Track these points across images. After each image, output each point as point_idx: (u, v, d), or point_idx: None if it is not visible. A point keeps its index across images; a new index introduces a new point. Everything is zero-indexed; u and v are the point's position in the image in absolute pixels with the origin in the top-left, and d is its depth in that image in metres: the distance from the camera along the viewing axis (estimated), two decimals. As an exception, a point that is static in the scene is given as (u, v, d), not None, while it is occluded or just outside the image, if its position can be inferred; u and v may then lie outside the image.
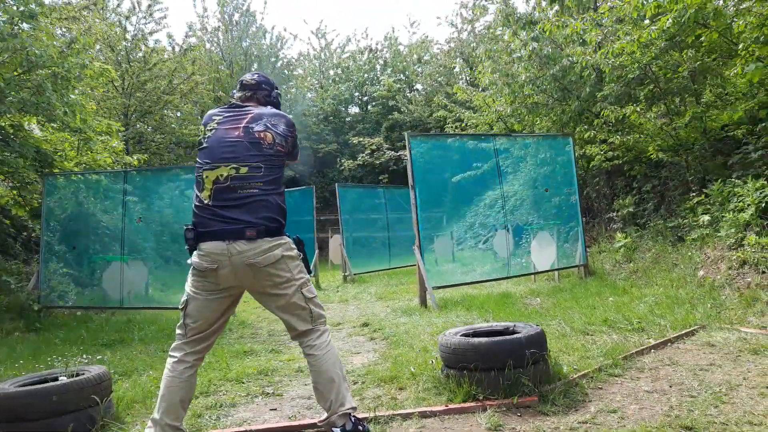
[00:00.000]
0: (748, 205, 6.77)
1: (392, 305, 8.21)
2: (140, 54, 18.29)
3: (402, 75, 28.61)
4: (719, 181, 7.69)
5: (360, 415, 2.99)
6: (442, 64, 26.58)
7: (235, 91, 3.12)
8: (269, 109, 2.97)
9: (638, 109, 8.29)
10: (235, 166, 2.73)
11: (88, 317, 8.65)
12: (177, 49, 20.57)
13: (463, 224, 8.80)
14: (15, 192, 10.36)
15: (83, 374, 3.41)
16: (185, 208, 9.08)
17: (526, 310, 6.52)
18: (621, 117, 8.70)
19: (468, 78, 26.10)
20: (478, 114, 15.90)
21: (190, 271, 2.84)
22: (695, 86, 8.89)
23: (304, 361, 5.01)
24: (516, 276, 8.77)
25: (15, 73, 8.35)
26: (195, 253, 2.78)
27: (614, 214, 10.66)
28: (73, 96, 8.93)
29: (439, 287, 7.76)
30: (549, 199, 8.95)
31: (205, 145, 2.85)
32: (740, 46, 7.10)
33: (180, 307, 2.85)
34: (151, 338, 6.65)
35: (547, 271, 8.89)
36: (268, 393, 3.97)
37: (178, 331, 2.85)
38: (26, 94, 8.15)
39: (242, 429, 3.15)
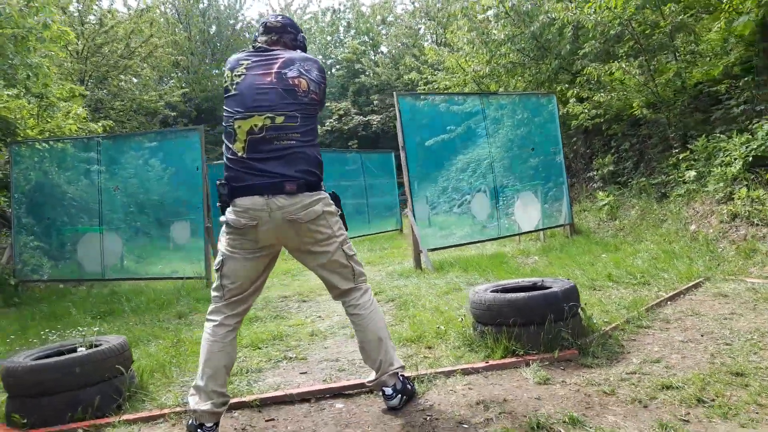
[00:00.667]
0: (735, 159, 6.89)
1: (384, 269, 8.13)
2: (93, 16, 17.33)
3: (366, 37, 28.10)
4: (703, 136, 7.81)
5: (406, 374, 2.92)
6: (407, 25, 26.19)
7: (257, 34, 2.87)
8: (299, 53, 2.76)
9: (623, 65, 8.28)
10: (270, 115, 2.53)
11: (67, 290, 8.33)
12: (131, 10, 19.59)
13: (451, 186, 8.68)
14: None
15: (102, 344, 3.22)
16: (150, 178, 8.76)
17: (524, 269, 6.54)
18: (604, 74, 8.69)
19: (435, 39, 25.82)
20: (449, 75, 15.76)
21: (223, 229, 2.65)
22: (674, 42, 8.94)
23: (314, 325, 4.94)
24: (503, 237, 8.78)
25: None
26: (230, 209, 2.58)
27: (594, 173, 10.79)
28: (35, 59, 8.36)
29: (432, 249, 7.71)
30: (534, 158, 8.94)
31: (234, 92, 2.61)
32: (725, 0, 7.14)
33: (215, 267, 2.66)
34: (143, 309, 6.40)
35: (533, 231, 8.94)
36: (291, 357, 3.85)
37: (214, 293, 2.68)
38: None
39: (284, 392, 3.02)
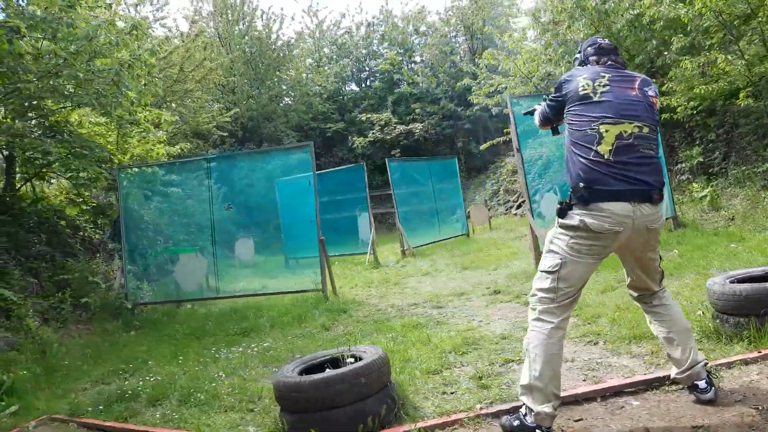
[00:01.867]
0: None
1: (500, 273, 8.15)
2: (148, 43, 17.66)
3: (400, 48, 28.25)
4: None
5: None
6: (442, 34, 26.31)
7: (591, 51, 2.97)
8: (643, 76, 2.92)
9: (728, 57, 8.24)
10: (638, 124, 2.67)
11: (172, 311, 8.45)
12: (182, 35, 19.95)
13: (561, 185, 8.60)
14: (70, 191, 10.01)
15: (364, 355, 3.27)
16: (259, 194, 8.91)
17: (668, 263, 6.47)
18: (699, 66, 8.66)
19: (470, 46, 25.90)
20: (509, 78, 15.82)
21: (564, 232, 2.67)
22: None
23: (488, 328, 4.94)
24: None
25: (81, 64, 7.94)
26: (584, 212, 2.59)
27: (681, 165, 10.70)
28: (139, 85, 8.54)
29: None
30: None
31: (599, 98, 2.70)
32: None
33: (551, 269, 2.69)
34: (280, 324, 6.46)
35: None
36: (514, 359, 3.88)
37: (544, 295, 2.70)
38: (100, 85, 7.76)
39: (571, 392, 3.04)
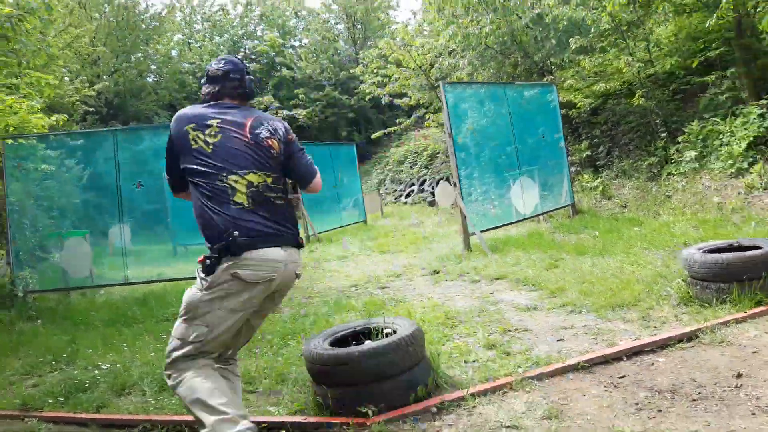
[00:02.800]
0: (737, 140, 7.93)
1: (426, 255, 8.30)
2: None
3: (279, 30, 27.55)
4: (695, 121, 8.85)
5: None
6: (324, 20, 26.10)
7: (203, 81, 2.80)
8: (262, 113, 2.76)
9: (628, 58, 9.13)
10: (261, 173, 2.56)
11: (64, 299, 7.63)
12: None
13: (488, 173, 8.89)
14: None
15: (398, 327, 3.19)
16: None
17: (579, 245, 7.02)
18: (598, 65, 9.50)
19: (351, 35, 25.98)
20: (401, 69, 16.15)
21: (209, 289, 2.43)
22: (650, 37, 10.02)
23: (452, 304, 5.01)
24: (525, 219, 9.24)
25: None
26: (230, 264, 2.40)
27: (571, 158, 11.65)
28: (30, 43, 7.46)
29: (472, 233, 7.97)
30: (542, 144, 9.50)
31: (212, 148, 2.54)
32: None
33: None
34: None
35: (551, 211, 9.51)
36: (513, 330, 4.01)
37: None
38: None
39: (599, 354, 3.20)
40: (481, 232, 7.99)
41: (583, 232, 8.02)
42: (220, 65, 2.73)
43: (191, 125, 2.57)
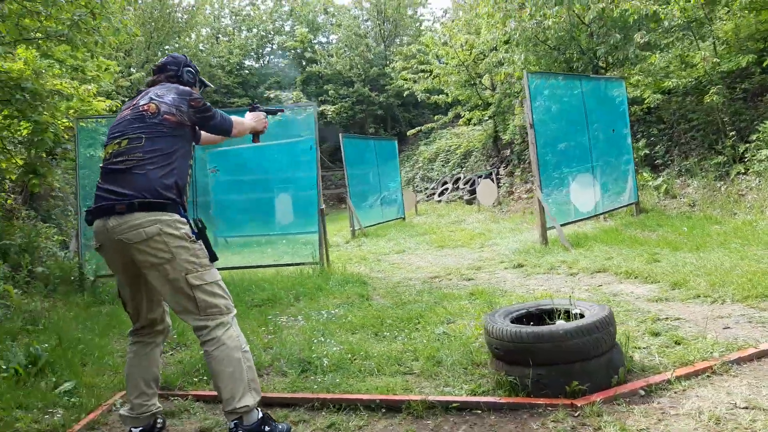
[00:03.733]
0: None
1: (494, 249, 8.18)
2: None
3: (308, 26, 27.45)
4: (767, 121, 8.70)
5: None
6: (354, 16, 26.01)
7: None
8: (163, 85, 2.86)
9: (704, 53, 8.97)
10: (118, 141, 2.65)
11: None
12: None
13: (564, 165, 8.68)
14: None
15: (581, 309, 3.05)
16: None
17: (666, 241, 6.87)
18: (671, 59, 9.35)
19: (380, 33, 25.87)
20: (445, 65, 16.04)
21: None
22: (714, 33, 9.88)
23: (573, 294, 4.88)
24: (594, 216, 9.08)
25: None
26: None
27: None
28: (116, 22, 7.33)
29: (551, 228, 7.82)
30: (611, 138, 9.32)
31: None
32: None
33: None
34: (302, 295, 5.93)
35: (622, 207, 9.36)
36: (666, 318, 3.87)
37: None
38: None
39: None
40: (550, 228, 7.84)
41: (658, 230, 7.87)
42: (163, 59, 3.01)
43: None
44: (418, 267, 7.63)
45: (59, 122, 8.14)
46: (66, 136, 8.55)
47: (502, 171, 15.82)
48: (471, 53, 15.60)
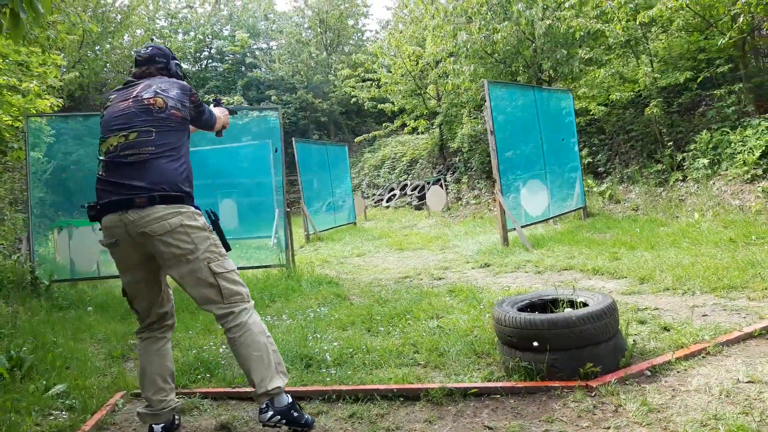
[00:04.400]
0: (750, 148, 8.49)
1: (458, 251, 8.37)
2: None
3: (248, 31, 27.12)
4: (704, 131, 9.39)
5: None
6: (296, 23, 25.93)
7: (132, 67, 3.02)
8: (162, 78, 2.86)
9: (646, 69, 9.59)
10: (124, 133, 2.61)
11: (82, 291, 7.17)
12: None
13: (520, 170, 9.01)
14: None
15: (583, 298, 3.24)
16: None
17: (620, 241, 7.28)
18: (613, 75, 9.94)
19: (324, 42, 25.91)
20: (391, 74, 16.29)
21: None
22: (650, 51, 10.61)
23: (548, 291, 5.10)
24: (559, 215, 9.47)
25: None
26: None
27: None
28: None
29: (510, 230, 8.11)
30: (561, 147, 9.78)
31: (101, 122, 2.76)
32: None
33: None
34: (279, 297, 5.91)
35: (570, 211, 9.79)
36: (646, 308, 4.13)
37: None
38: None
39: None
40: (510, 230, 8.13)
41: (608, 232, 8.32)
42: (147, 50, 2.91)
43: (103, 104, 2.83)
44: (384, 268, 7.72)
45: (4, 120, 7.76)
46: (8, 135, 8.17)
47: (449, 178, 16.18)
48: (418, 64, 15.92)
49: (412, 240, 10.50)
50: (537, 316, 2.94)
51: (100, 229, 2.65)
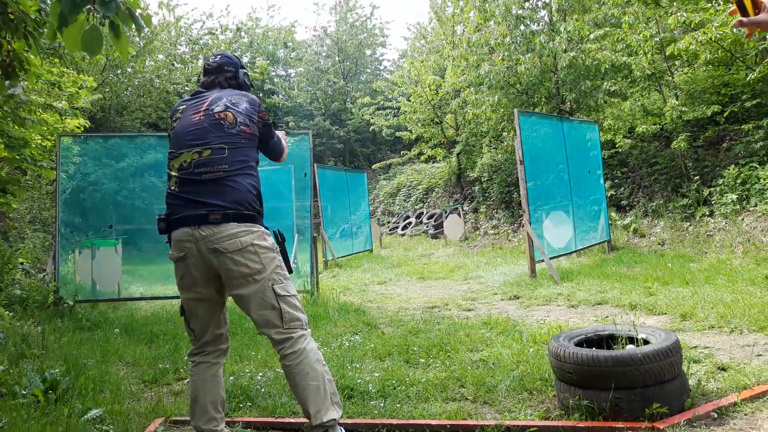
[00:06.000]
0: (780, 184, 8.39)
1: (485, 281, 8.26)
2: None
3: (267, 58, 27.49)
4: (732, 166, 9.30)
5: None
6: (315, 51, 26.28)
7: (199, 76, 2.99)
8: (230, 90, 2.84)
9: (673, 101, 9.56)
10: (198, 149, 2.60)
11: (104, 312, 7.07)
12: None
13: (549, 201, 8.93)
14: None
15: (644, 334, 3.13)
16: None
17: (651, 276, 7.15)
18: (639, 107, 9.92)
19: (342, 70, 26.21)
20: (410, 102, 16.40)
21: None
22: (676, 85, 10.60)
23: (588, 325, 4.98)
24: (584, 248, 9.35)
25: None
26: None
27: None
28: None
29: (539, 261, 8.00)
30: (587, 178, 9.72)
31: (171, 134, 2.76)
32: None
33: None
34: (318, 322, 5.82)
35: (587, 247, 9.67)
36: (695, 346, 4.01)
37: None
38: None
39: None
40: (538, 261, 8.03)
41: (635, 266, 8.19)
42: (216, 59, 2.91)
43: (172, 114, 2.80)
44: (408, 297, 7.61)
45: (34, 139, 7.80)
46: (35, 154, 8.20)
47: (466, 207, 16.12)
48: (438, 93, 16.01)
49: (432, 269, 10.40)
50: (600, 353, 2.83)
51: (168, 242, 2.65)
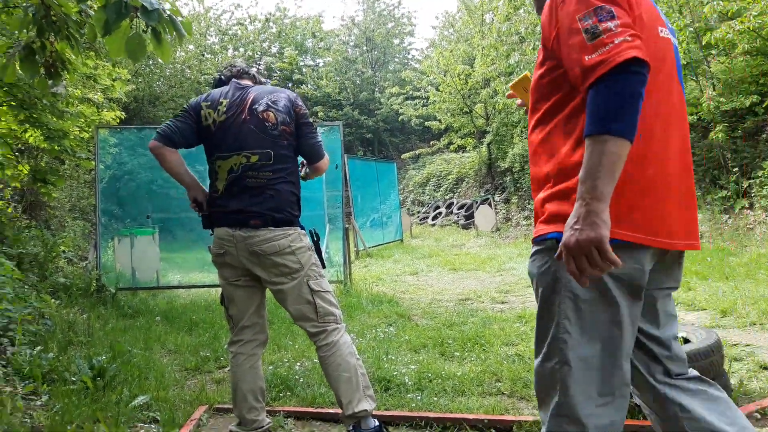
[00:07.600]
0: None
1: (517, 273, 8.23)
2: None
3: (296, 49, 27.60)
4: (774, 158, 9.07)
5: None
6: (343, 41, 26.27)
7: (220, 73, 2.96)
8: (267, 86, 2.85)
9: (710, 93, 9.33)
10: (246, 153, 2.63)
11: (144, 300, 7.22)
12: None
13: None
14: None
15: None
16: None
17: (690, 270, 7.03)
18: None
19: (370, 59, 26.16)
20: (440, 92, 16.32)
21: None
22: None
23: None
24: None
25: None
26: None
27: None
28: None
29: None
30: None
31: (214, 130, 2.69)
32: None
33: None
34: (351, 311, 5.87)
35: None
36: (735, 344, 3.95)
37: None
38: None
39: None
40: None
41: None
42: (229, 68, 2.94)
43: (206, 103, 2.72)
44: (441, 289, 7.63)
45: (72, 131, 7.98)
46: (73, 145, 8.38)
47: (497, 197, 16.02)
48: (468, 83, 15.89)
49: (464, 260, 10.38)
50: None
51: (211, 234, 2.76)
